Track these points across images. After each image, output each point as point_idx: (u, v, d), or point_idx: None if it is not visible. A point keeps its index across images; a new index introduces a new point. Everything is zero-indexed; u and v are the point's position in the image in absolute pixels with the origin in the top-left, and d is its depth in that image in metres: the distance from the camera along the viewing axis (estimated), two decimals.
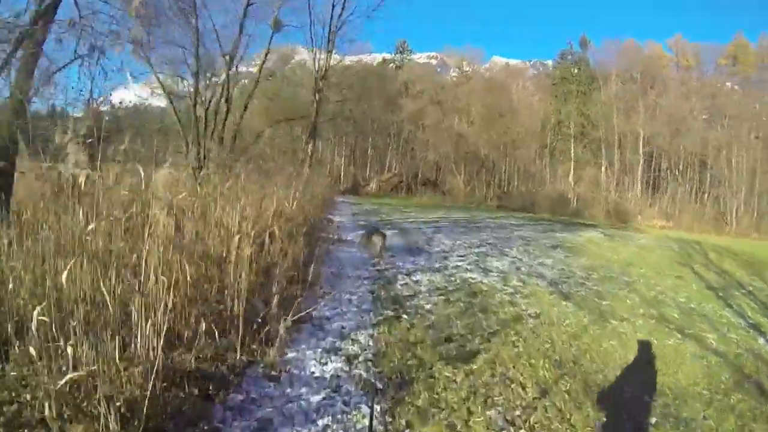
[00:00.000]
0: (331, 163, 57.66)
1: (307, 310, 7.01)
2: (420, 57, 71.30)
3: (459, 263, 13.27)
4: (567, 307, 9.81)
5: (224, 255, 6.63)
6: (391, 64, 65.36)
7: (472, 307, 8.93)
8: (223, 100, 24.65)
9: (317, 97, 29.69)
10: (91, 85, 9.40)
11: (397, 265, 12.20)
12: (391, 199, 46.82)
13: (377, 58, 65.84)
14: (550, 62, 65.84)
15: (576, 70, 57.91)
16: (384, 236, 13.50)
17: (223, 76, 24.30)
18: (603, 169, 53.28)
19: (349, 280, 10.15)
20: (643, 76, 53.35)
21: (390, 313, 8.08)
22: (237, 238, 6.42)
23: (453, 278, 11.26)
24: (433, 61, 72.23)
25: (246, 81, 28.55)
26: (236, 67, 25.25)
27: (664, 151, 52.03)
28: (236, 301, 5.97)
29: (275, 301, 6.22)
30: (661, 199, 51.30)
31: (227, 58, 24.75)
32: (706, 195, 51.17)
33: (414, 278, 10.88)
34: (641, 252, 20.82)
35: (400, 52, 65.96)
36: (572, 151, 55.35)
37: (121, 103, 19.33)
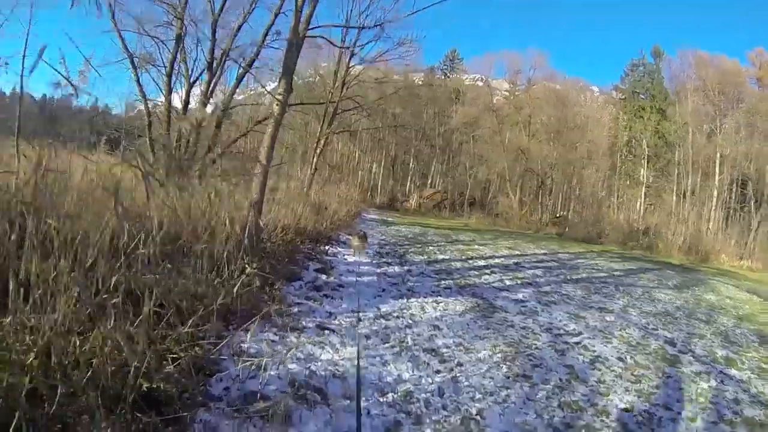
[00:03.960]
0: (368, 172, 48.36)
1: None
2: (466, 80, 59.71)
3: None
4: None
5: None
6: (440, 75, 54.56)
7: None
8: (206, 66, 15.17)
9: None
10: None
11: None
12: (435, 219, 36.56)
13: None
14: (596, 88, 53.44)
15: (649, 84, 46.32)
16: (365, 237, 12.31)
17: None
18: (674, 196, 41.22)
19: None
20: (719, 91, 41.21)
21: None
22: None
23: None
24: (479, 83, 60.05)
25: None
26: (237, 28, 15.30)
27: (749, 178, 39.73)
28: None
29: None
30: (742, 232, 38.84)
31: None
32: None
33: None
34: None
35: (450, 60, 54.90)
36: (644, 174, 43.88)
37: None
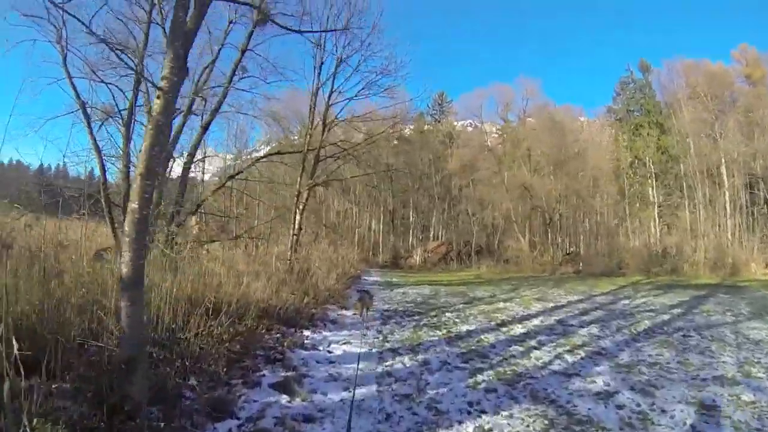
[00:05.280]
0: (367, 229, 45.37)
1: None
2: (457, 126, 56.86)
3: None
4: None
5: None
6: (430, 121, 51.97)
7: None
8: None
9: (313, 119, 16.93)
10: None
11: None
12: (443, 273, 33.16)
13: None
14: (583, 118, 50.68)
15: (642, 99, 44.04)
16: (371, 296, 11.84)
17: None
18: (687, 211, 37.79)
19: None
20: (712, 96, 38.55)
21: None
22: None
23: None
24: (469, 128, 56.90)
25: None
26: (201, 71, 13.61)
27: (758, 178, 36.97)
28: None
29: None
30: (763, 237, 35.25)
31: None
32: None
33: None
34: None
35: (439, 104, 52.34)
36: (654, 193, 40.86)
37: None
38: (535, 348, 8.01)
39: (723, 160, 36.43)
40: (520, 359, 7.26)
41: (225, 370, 5.27)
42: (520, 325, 10.26)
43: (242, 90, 14.41)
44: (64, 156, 11.50)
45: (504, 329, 9.81)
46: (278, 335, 7.69)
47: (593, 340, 8.80)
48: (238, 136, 27.36)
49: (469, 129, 52.12)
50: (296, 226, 15.46)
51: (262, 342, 6.98)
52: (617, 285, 22.35)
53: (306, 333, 8.39)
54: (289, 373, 5.86)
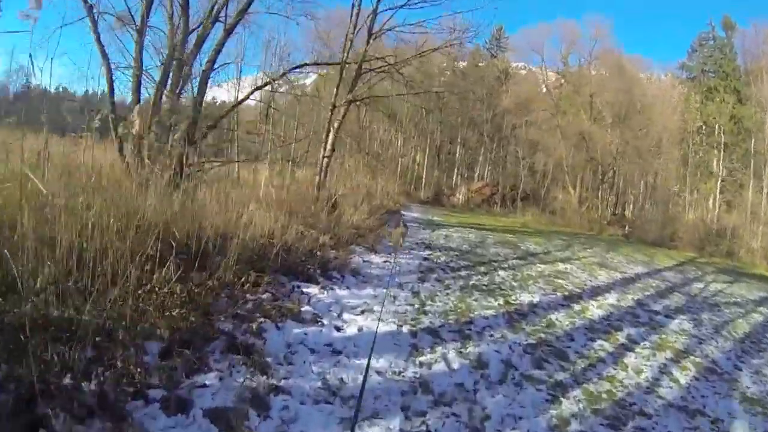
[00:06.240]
0: (411, 161, 42.67)
1: None
2: (513, 67, 52.33)
3: None
4: None
5: None
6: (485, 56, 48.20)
7: None
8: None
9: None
10: None
11: None
12: (486, 216, 31.20)
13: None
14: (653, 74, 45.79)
15: (721, 60, 38.74)
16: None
17: None
18: (750, 192, 33.39)
19: None
20: None
21: None
22: None
23: None
24: (523, 71, 52.18)
25: None
26: None
27: None
28: None
29: None
30: None
31: None
32: None
33: None
34: None
35: (497, 39, 48.38)
36: (720, 165, 36.43)
37: None
38: (627, 349, 5.74)
39: None
40: (613, 368, 5.02)
41: (146, 369, 2.96)
42: (594, 303, 7.98)
43: None
44: (52, 59, 9.50)
45: (576, 307, 7.55)
46: (268, 293, 5.17)
47: (693, 343, 6.55)
48: (275, 53, 24.93)
49: (523, 72, 48.24)
50: (328, 146, 13.24)
51: (236, 306, 4.47)
52: (675, 260, 20.10)
53: (311, 290, 5.88)
54: (251, 383, 3.31)
